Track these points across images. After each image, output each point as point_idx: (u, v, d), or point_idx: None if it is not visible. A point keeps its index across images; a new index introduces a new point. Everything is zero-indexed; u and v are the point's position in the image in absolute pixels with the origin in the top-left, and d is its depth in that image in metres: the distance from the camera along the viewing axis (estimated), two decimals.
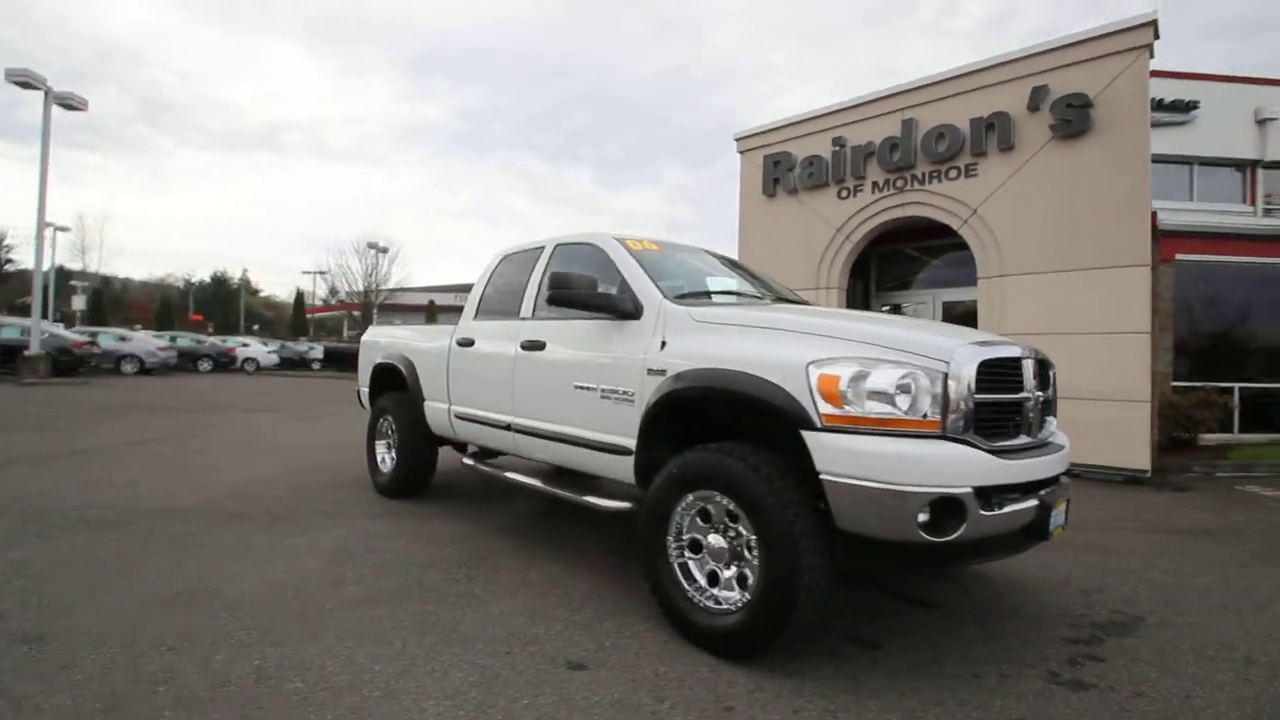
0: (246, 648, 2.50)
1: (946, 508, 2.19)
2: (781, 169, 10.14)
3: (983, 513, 2.23)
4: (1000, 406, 2.53)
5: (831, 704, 2.24)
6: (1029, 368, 2.71)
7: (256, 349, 28.88)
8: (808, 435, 2.34)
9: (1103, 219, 7.28)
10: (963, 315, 9.13)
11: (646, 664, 2.48)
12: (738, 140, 10.88)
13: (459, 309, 4.89)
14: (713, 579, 2.66)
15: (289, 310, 54.17)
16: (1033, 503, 2.42)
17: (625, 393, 3.07)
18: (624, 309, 3.19)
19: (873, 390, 2.29)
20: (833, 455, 2.29)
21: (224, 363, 26.60)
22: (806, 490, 2.40)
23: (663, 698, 2.23)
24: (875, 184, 9.15)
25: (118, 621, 2.67)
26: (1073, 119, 7.40)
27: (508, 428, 3.89)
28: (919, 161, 8.67)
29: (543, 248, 4.13)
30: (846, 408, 2.30)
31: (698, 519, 2.71)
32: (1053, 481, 2.64)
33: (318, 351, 31.42)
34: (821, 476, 2.30)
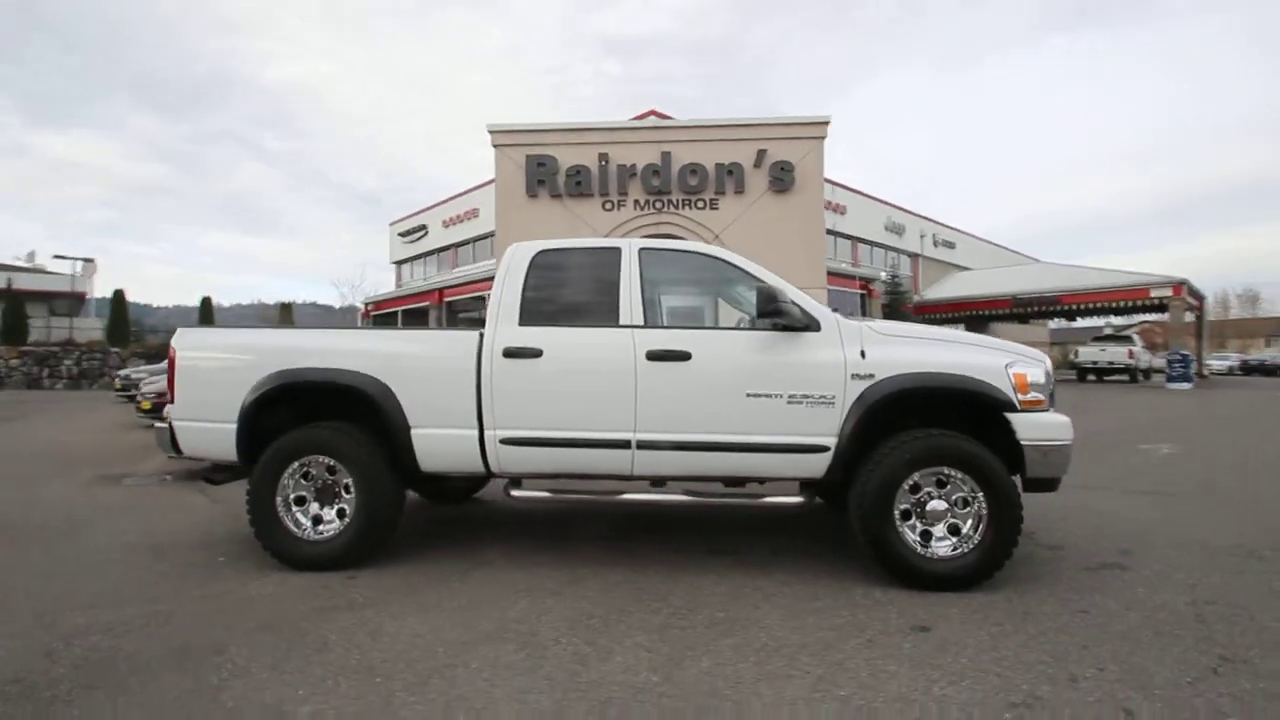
0: None
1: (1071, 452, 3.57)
2: (546, 172, 10.44)
3: None
4: None
5: (1049, 591, 3.35)
6: None
7: None
8: (1013, 416, 3.40)
9: (799, 252, 10.27)
10: None
11: (948, 610, 3.10)
12: (492, 133, 10.59)
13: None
14: (925, 536, 3.45)
15: None
16: None
17: (823, 396, 3.50)
18: (806, 323, 3.59)
19: (1035, 382, 3.50)
20: (1029, 429, 3.41)
21: None
22: None
23: (999, 622, 2.97)
24: (637, 201, 10.43)
25: None
26: (782, 178, 10.16)
27: (625, 445, 3.66)
28: (674, 189, 10.33)
29: (616, 249, 3.99)
30: (1029, 394, 3.45)
31: (909, 492, 3.45)
32: None
33: None
34: (1023, 443, 3.40)
